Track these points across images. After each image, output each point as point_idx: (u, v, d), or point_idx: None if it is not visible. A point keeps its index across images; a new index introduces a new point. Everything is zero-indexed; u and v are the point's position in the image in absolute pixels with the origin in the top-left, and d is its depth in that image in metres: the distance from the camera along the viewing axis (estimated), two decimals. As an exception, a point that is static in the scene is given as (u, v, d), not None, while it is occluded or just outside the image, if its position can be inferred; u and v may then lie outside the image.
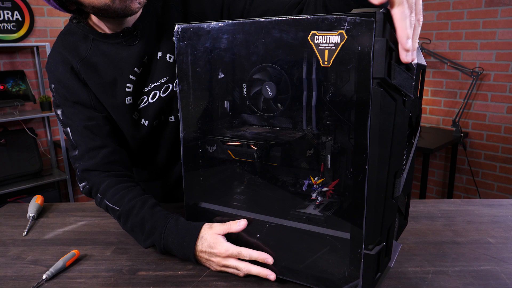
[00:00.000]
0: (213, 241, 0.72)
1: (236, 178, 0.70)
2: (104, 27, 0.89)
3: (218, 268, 0.73)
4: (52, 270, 0.74)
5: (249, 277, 0.73)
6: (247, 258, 0.70)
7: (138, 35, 0.89)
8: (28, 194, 2.90)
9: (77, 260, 0.80)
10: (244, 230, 0.70)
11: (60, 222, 0.99)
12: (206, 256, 0.73)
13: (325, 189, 0.61)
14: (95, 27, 0.90)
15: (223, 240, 0.71)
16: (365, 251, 0.59)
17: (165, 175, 1.08)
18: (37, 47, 2.98)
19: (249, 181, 0.69)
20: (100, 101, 0.90)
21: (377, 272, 0.61)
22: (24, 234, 0.93)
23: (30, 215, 1.00)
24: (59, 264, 0.76)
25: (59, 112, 0.91)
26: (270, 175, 0.67)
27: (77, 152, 0.89)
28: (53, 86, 0.90)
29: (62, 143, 3.05)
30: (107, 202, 0.85)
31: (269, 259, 0.69)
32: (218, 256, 0.71)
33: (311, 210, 0.64)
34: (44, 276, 0.73)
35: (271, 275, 0.69)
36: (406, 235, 0.87)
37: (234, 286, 0.70)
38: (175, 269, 0.76)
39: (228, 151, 0.69)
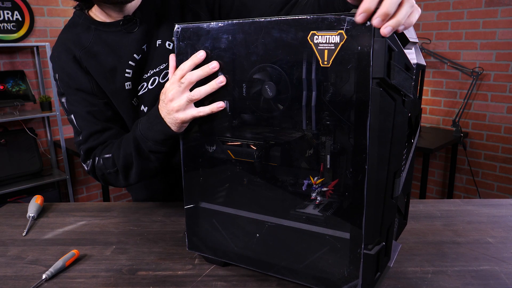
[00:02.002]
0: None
1: (236, 178, 0.70)
2: (105, 17, 0.94)
3: (169, 96, 0.72)
4: (51, 270, 0.74)
5: (249, 277, 0.73)
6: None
7: (137, 23, 0.93)
8: (28, 194, 2.91)
9: (76, 260, 0.80)
10: (244, 231, 0.70)
11: (60, 222, 0.99)
12: (162, 100, 0.74)
13: (325, 189, 0.61)
14: (97, 18, 0.94)
15: None
16: (365, 251, 0.59)
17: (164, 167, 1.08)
18: (37, 47, 2.98)
19: (248, 181, 0.69)
20: (102, 88, 0.93)
21: (377, 272, 0.61)
22: (24, 234, 0.93)
23: (30, 215, 1.00)
24: (58, 264, 0.76)
25: (63, 100, 0.95)
26: (269, 175, 0.67)
27: (81, 137, 0.93)
28: (57, 75, 0.94)
29: (62, 143, 3.05)
30: (100, 158, 0.90)
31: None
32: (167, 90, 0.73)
33: (310, 210, 0.64)
34: (43, 276, 0.73)
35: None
36: (405, 235, 0.87)
37: (234, 286, 0.70)
38: (175, 269, 0.76)
39: (228, 151, 0.69)
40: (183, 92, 0.70)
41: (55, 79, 0.95)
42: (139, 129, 0.82)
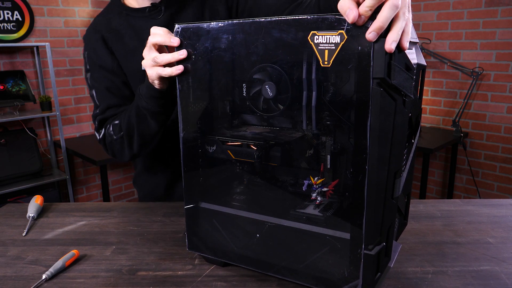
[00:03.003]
0: None
1: (236, 178, 0.70)
2: (135, 3, 1.04)
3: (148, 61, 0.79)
4: (51, 270, 0.74)
5: (249, 277, 0.73)
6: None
7: (162, 10, 1.02)
8: (28, 194, 2.90)
9: (76, 260, 0.80)
10: (244, 231, 0.70)
11: (59, 222, 0.99)
12: None
13: (325, 189, 0.61)
14: (129, 4, 1.05)
15: None
16: (365, 251, 0.59)
17: (168, 160, 1.11)
18: (37, 47, 2.98)
19: (249, 181, 0.69)
20: (122, 68, 1.03)
21: (377, 272, 0.61)
22: (23, 234, 0.93)
23: (30, 215, 1.00)
24: (58, 264, 0.76)
25: (88, 76, 1.05)
26: (270, 175, 0.67)
27: (98, 110, 1.02)
28: (86, 53, 1.05)
29: (62, 143, 3.05)
30: (110, 125, 0.97)
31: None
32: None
33: (311, 210, 0.64)
34: (43, 276, 0.73)
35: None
36: (406, 235, 0.87)
37: (234, 286, 0.70)
38: (175, 269, 0.76)
39: (228, 151, 0.69)
40: (149, 52, 0.78)
41: (84, 57, 1.06)
42: (139, 89, 0.89)
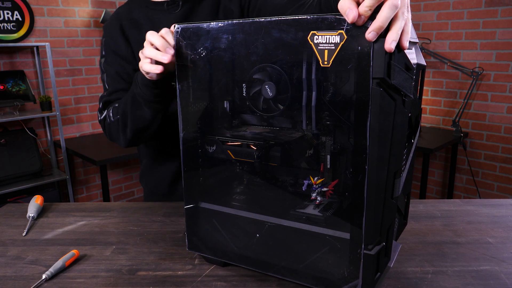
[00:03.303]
0: None
1: (236, 178, 0.70)
2: None
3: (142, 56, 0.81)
4: (51, 270, 0.74)
5: (249, 277, 0.73)
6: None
7: (179, 5, 1.06)
8: (28, 194, 2.90)
9: (76, 260, 0.80)
10: (244, 231, 0.70)
11: (59, 222, 0.99)
12: None
13: (325, 189, 0.61)
14: None
15: None
16: (365, 251, 0.59)
17: (172, 153, 1.12)
18: (37, 47, 2.98)
19: (248, 181, 0.69)
20: (135, 56, 1.06)
21: (377, 272, 0.61)
22: (23, 234, 0.93)
23: (30, 215, 1.00)
24: (58, 264, 0.76)
25: (102, 60, 1.09)
26: (269, 175, 0.67)
27: (105, 93, 1.05)
28: (104, 39, 1.09)
29: (62, 143, 3.05)
30: (112, 107, 0.99)
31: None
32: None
33: (310, 210, 0.64)
34: (43, 276, 0.73)
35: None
36: (405, 235, 0.87)
37: (234, 286, 0.70)
38: (174, 269, 0.76)
39: (228, 151, 0.69)
40: (145, 45, 0.79)
41: (101, 43, 1.11)
42: (136, 75, 0.90)
